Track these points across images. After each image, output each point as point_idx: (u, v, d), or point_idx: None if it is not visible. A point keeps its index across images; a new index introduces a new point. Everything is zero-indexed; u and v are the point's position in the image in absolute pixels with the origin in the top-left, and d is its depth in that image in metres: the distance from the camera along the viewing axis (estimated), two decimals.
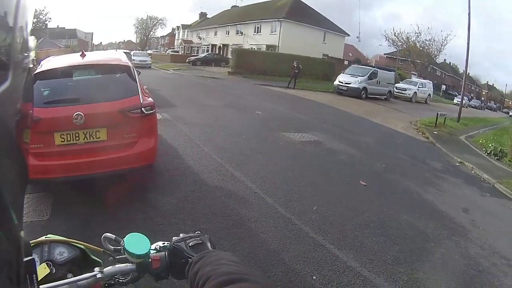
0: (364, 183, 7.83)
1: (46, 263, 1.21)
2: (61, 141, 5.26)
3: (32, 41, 0.63)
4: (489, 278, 5.02)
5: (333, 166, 8.99)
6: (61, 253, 1.26)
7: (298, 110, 17.16)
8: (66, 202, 5.49)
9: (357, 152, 10.73)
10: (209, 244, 1.24)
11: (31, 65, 0.62)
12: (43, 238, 1.30)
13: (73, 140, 5.29)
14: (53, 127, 5.23)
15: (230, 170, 7.49)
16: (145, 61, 44.07)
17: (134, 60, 36.59)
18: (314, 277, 4.33)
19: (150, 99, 6.08)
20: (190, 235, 1.26)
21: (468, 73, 31.88)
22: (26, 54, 0.59)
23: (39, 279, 1.04)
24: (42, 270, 1.18)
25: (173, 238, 1.25)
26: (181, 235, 1.26)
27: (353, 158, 10.06)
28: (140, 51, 56.73)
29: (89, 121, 5.25)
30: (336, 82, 29.82)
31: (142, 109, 5.68)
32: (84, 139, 5.34)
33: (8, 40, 0.51)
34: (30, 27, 0.60)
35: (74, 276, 1.17)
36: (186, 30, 78.91)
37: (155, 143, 6.03)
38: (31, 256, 0.93)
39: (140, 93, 5.86)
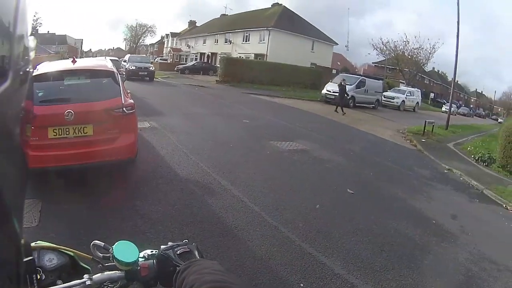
0: (351, 191, 7.82)
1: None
2: (54, 135, 5.95)
3: (32, 42, 0.66)
4: (479, 283, 5.03)
5: (320, 175, 8.98)
6: (50, 260, 1.24)
7: (285, 119, 17.14)
8: (54, 209, 5.51)
9: (344, 160, 10.75)
10: (196, 253, 1.25)
11: (31, 67, 0.66)
12: (32, 244, 1.26)
13: (64, 134, 5.99)
14: (47, 123, 5.93)
15: (217, 178, 7.45)
16: (147, 68, 31.67)
17: (128, 67, 29.96)
18: (302, 285, 4.30)
19: (130, 100, 6.87)
20: (178, 243, 1.27)
21: (457, 81, 32.09)
22: (26, 56, 0.61)
23: None
24: None
25: (161, 246, 1.26)
26: (169, 243, 1.27)
27: (340, 166, 10.08)
28: (140, 56, 41.65)
29: (78, 118, 5.96)
30: (324, 91, 29.81)
31: (124, 108, 6.43)
32: (73, 134, 6.04)
33: (8, 42, 0.52)
34: (29, 30, 0.62)
35: (64, 283, 1.16)
36: (175, 38, 78.73)
37: (135, 138, 6.76)
38: (31, 256, 1.01)
39: (122, 95, 6.61)
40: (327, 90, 29.26)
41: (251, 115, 16.81)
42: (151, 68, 32.27)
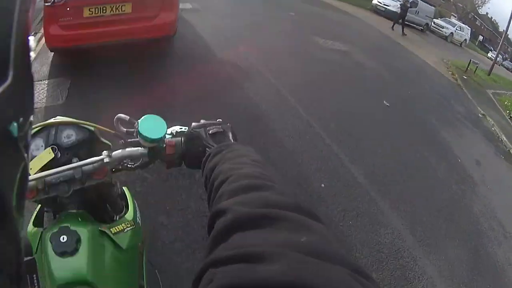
0: (387, 104, 7.67)
1: (51, 147, 1.18)
2: (89, 14, 5.80)
3: (32, 41, 0.50)
4: (484, 243, 4.98)
5: (358, 79, 8.82)
6: (69, 136, 1.22)
7: (332, 19, 16.39)
8: (83, 86, 5.49)
9: (384, 71, 10.44)
10: (230, 135, 1.14)
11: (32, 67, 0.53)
12: (51, 120, 1.25)
13: (100, 13, 5.86)
14: (83, 2, 5.77)
15: (255, 64, 7.28)
16: None
17: None
18: (323, 185, 4.33)
19: None
20: (211, 121, 1.16)
21: (507, 34, 30.64)
22: (26, 54, 0.49)
23: (43, 165, 1.14)
24: (46, 155, 1.16)
25: (192, 123, 1.16)
26: (201, 121, 1.16)
27: (380, 76, 9.84)
28: None
29: None
30: (374, 1, 28.62)
31: None
32: (110, 12, 5.91)
33: (7, 39, 0.43)
34: (31, 28, 0.50)
35: (81, 160, 1.12)
36: None
37: (175, 17, 6.54)
38: (31, 256, 1.03)
39: None
40: (378, 1, 28.17)
41: (298, 9, 15.83)
42: None
